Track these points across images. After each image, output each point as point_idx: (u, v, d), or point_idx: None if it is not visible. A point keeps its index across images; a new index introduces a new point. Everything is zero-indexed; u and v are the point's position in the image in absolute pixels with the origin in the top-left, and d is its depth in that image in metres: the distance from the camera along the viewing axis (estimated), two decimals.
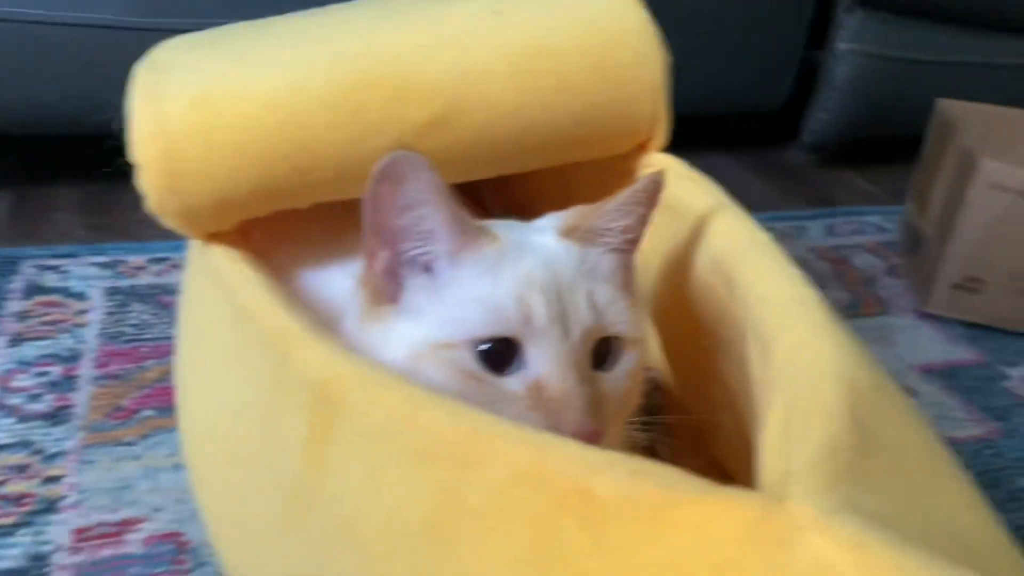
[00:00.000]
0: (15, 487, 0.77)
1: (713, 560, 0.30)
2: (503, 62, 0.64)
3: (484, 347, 0.49)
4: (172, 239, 1.20)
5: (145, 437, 0.84)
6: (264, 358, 0.54)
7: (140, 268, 1.14)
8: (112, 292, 1.08)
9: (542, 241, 0.54)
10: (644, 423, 0.55)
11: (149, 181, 0.59)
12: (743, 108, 1.70)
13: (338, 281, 0.62)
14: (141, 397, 0.90)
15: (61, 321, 1.01)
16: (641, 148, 0.73)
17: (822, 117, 1.61)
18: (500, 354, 0.50)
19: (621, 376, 0.52)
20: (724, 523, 0.30)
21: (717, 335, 0.62)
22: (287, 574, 0.52)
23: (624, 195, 0.53)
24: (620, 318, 0.53)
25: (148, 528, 0.74)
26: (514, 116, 0.65)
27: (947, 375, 1.06)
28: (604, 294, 0.53)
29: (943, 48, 1.57)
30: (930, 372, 1.06)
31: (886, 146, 1.76)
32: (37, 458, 0.80)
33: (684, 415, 0.59)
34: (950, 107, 1.30)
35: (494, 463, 0.37)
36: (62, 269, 1.12)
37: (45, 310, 1.03)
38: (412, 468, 0.41)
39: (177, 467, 0.80)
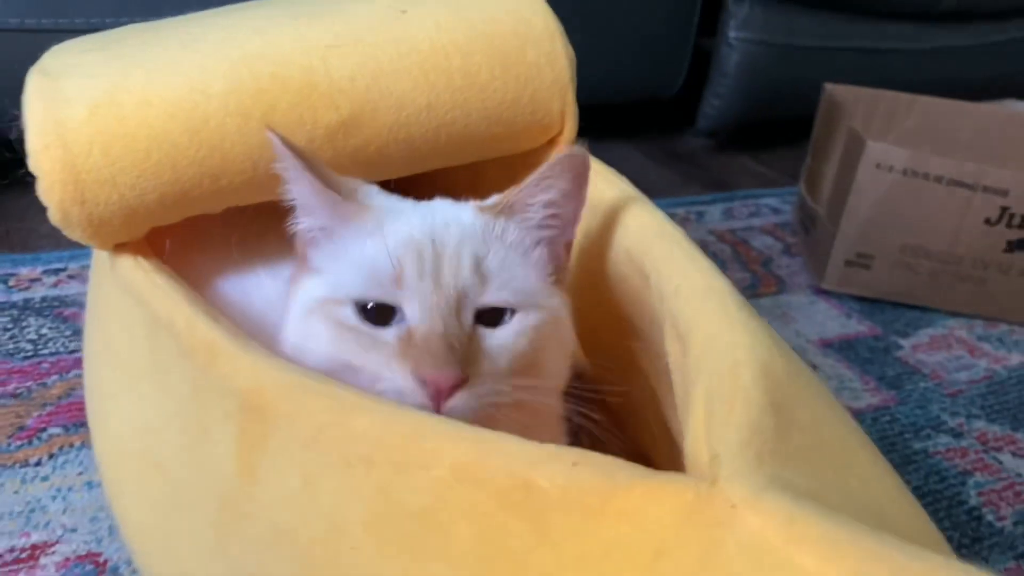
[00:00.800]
0: None
1: (654, 545, 0.31)
2: (411, 61, 0.65)
3: (369, 305, 0.53)
4: (66, 248, 1.18)
5: (52, 457, 0.81)
6: (186, 369, 0.53)
7: (35, 280, 1.09)
8: (5, 307, 1.03)
9: (443, 211, 0.58)
10: (572, 399, 0.57)
11: (50, 192, 0.57)
12: (640, 96, 1.73)
13: (266, 286, 0.62)
14: (45, 415, 0.86)
15: None
16: (551, 143, 0.74)
17: (715, 103, 1.67)
18: (383, 309, 0.53)
19: (508, 334, 0.54)
20: (662, 508, 0.32)
21: (634, 325, 0.64)
22: None
23: (541, 170, 0.55)
24: (508, 284, 0.55)
25: (63, 551, 0.71)
26: (425, 114, 0.65)
27: (844, 348, 1.11)
28: (499, 261, 0.55)
29: (827, 34, 1.64)
30: (828, 346, 1.12)
31: (776, 129, 1.84)
32: None
33: (605, 397, 0.61)
34: (836, 91, 1.37)
35: (435, 463, 0.38)
36: None
37: None
38: (349, 474, 0.41)
39: (90, 485, 0.78)
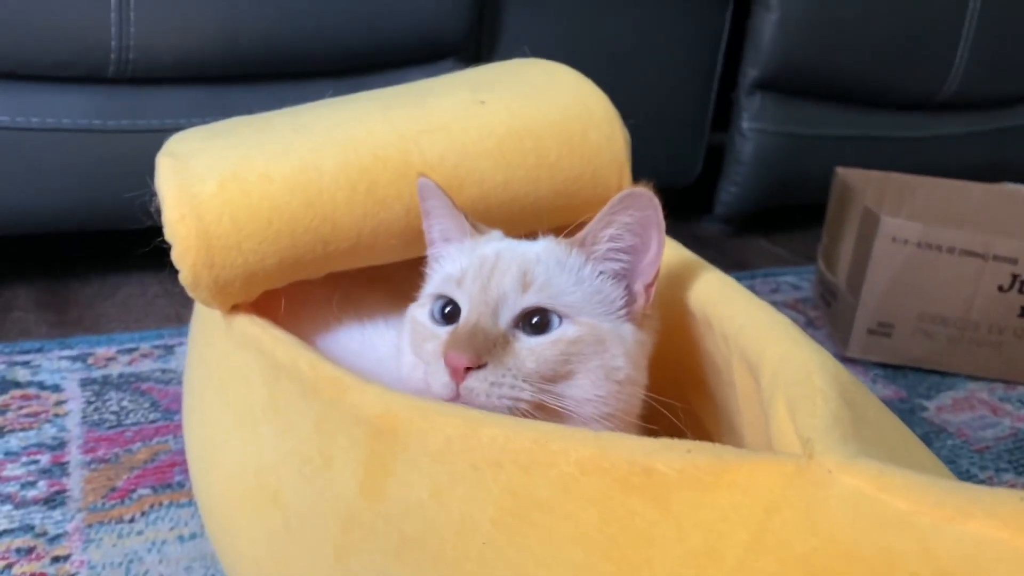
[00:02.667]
0: (24, 568, 0.78)
1: (764, 505, 0.38)
2: (491, 143, 0.74)
3: (440, 303, 0.64)
4: (135, 330, 1.26)
5: (144, 514, 0.87)
6: (308, 407, 0.60)
7: (110, 359, 1.17)
8: (87, 382, 1.10)
9: (529, 243, 0.68)
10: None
11: (184, 256, 0.65)
12: (659, 185, 1.84)
13: (387, 335, 0.73)
14: (134, 477, 0.92)
15: (40, 412, 1.03)
16: None
17: (732, 190, 1.77)
18: (451, 311, 0.64)
19: (542, 340, 0.61)
20: (769, 478, 0.38)
21: (695, 377, 0.71)
22: None
23: (605, 207, 0.63)
24: (546, 290, 0.62)
25: None
26: (502, 189, 0.74)
27: None
28: (546, 276, 0.62)
29: (834, 124, 1.76)
30: None
31: (789, 214, 1.94)
32: (41, 540, 0.82)
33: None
34: (848, 174, 1.47)
35: (561, 461, 0.44)
36: (32, 364, 1.13)
37: (22, 403, 1.05)
38: (477, 478, 0.48)
39: (182, 538, 0.84)
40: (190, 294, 0.68)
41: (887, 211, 1.29)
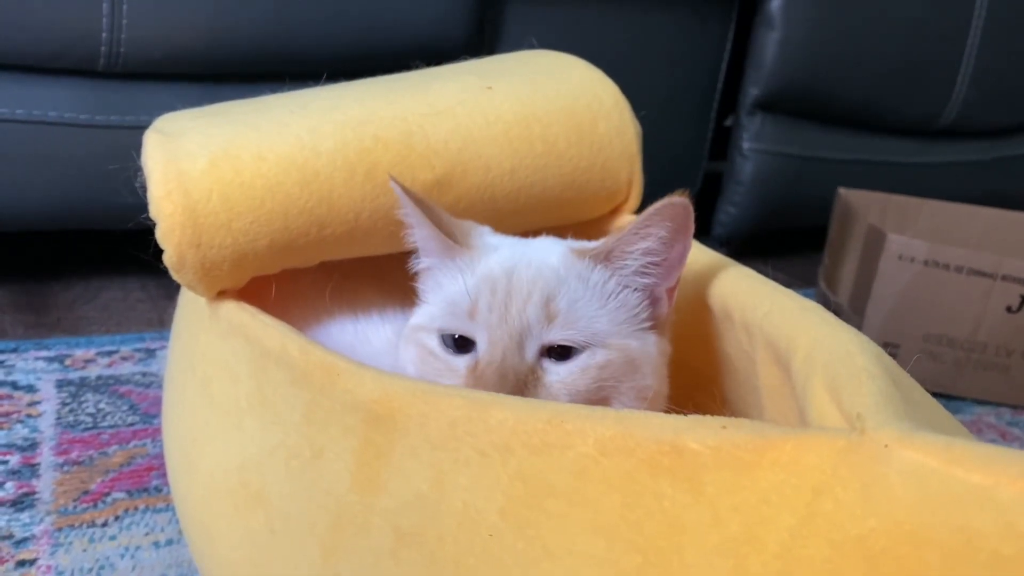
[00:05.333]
0: None
1: (811, 486, 0.34)
2: (497, 129, 0.70)
3: (455, 336, 0.58)
4: (116, 333, 1.21)
5: (118, 518, 0.82)
6: (298, 395, 0.56)
7: (89, 361, 1.12)
8: (63, 384, 1.05)
9: (534, 249, 0.62)
10: None
11: (170, 235, 0.61)
12: None
13: (383, 329, 0.69)
14: (109, 480, 0.87)
15: (12, 412, 0.98)
16: (615, 212, 0.80)
17: (731, 211, 1.74)
18: (464, 339, 0.58)
19: (571, 370, 0.57)
20: (817, 455, 0.34)
21: (707, 376, 0.67)
22: None
23: (641, 218, 0.57)
24: (575, 323, 0.57)
25: None
26: (509, 177, 0.71)
27: None
28: (570, 301, 0.57)
29: (834, 147, 1.74)
30: None
31: (787, 238, 1.91)
32: (6, 543, 0.77)
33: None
34: (850, 195, 1.44)
35: (579, 442, 0.40)
36: (6, 364, 1.08)
37: None
38: (484, 464, 0.44)
39: (157, 544, 0.79)
40: (174, 276, 0.64)
41: (892, 231, 1.26)
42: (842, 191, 1.46)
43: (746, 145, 1.68)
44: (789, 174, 1.72)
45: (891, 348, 1.24)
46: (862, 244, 1.31)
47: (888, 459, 0.32)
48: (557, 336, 0.57)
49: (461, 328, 0.58)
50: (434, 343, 0.60)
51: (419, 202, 0.59)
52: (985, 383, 1.23)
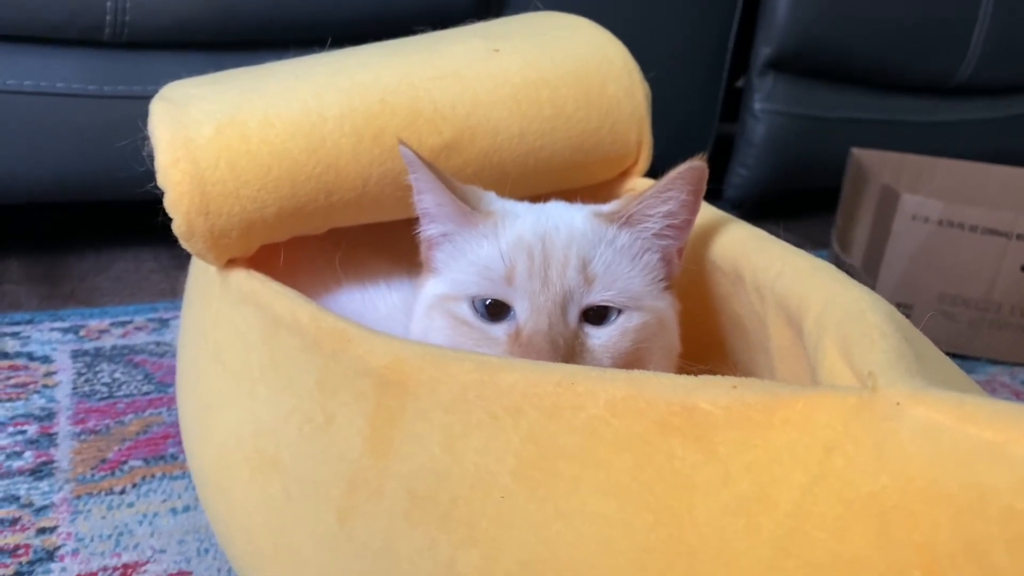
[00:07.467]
0: (7, 539, 0.74)
1: (823, 443, 0.34)
2: (505, 92, 0.70)
3: (487, 302, 0.58)
4: (130, 303, 1.21)
5: (136, 486, 0.83)
6: (310, 362, 0.56)
7: (103, 331, 1.12)
8: (78, 354, 1.06)
9: (556, 214, 0.61)
10: None
11: (178, 203, 0.61)
12: (667, 166, 1.80)
13: (389, 296, 0.68)
14: (126, 449, 0.88)
15: (29, 383, 0.99)
16: (624, 175, 0.79)
17: (743, 173, 1.73)
18: (496, 306, 0.58)
19: (612, 333, 0.57)
20: (828, 413, 0.34)
21: (717, 340, 0.67)
22: (346, 571, 0.53)
23: (663, 182, 0.58)
24: (613, 285, 0.58)
25: (153, 570, 0.72)
26: (517, 140, 0.70)
27: None
28: (605, 264, 0.58)
29: (847, 106, 1.72)
30: None
31: (799, 200, 1.90)
32: (27, 511, 0.78)
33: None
34: (863, 155, 1.43)
35: (589, 403, 0.40)
36: (22, 335, 1.09)
37: (9, 374, 1.00)
38: (496, 427, 0.44)
39: (174, 511, 0.79)
40: (184, 245, 0.64)
41: (906, 190, 1.24)
42: (855, 151, 1.44)
43: (757, 106, 1.66)
44: (801, 135, 1.70)
45: (904, 308, 1.23)
46: (875, 204, 1.29)
47: (900, 416, 0.32)
48: (597, 298, 0.57)
49: (497, 293, 0.58)
50: (466, 311, 0.59)
51: (431, 167, 0.59)
52: (1000, 343, 1.23)
